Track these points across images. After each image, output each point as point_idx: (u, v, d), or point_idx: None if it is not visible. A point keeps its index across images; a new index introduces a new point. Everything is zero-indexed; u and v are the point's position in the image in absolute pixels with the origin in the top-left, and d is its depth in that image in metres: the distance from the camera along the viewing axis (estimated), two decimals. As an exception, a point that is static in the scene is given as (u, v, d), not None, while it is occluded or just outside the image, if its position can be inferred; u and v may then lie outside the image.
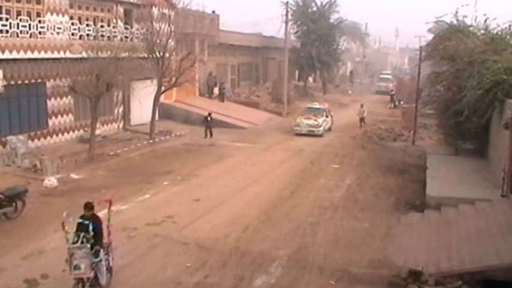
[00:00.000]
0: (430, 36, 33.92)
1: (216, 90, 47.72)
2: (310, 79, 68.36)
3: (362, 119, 43.25)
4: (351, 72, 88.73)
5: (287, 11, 49.96)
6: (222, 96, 47.49)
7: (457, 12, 29.67)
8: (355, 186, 24.44)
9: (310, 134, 37.37)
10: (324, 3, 61.06)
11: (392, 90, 62.33)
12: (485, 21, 28.51)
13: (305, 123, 37.99)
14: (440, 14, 30.85)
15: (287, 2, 50.21)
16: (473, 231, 17.08)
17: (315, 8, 60.88)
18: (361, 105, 44.34)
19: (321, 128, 37.97)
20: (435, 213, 19.59)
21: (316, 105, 41.70)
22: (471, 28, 29.17)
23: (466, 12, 29.89)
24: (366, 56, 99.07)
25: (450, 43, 27.51)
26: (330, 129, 40.27)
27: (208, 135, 35.62)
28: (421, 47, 35.01)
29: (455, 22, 29.81)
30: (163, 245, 16.85)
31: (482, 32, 28.48)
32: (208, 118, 36.01)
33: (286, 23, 49.51)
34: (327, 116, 39.79)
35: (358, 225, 19.15)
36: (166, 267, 15.40)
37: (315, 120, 38.26)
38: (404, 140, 36.44)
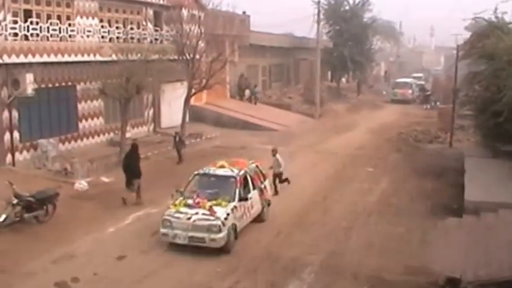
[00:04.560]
0: (468, 34, 33.10)
1: (247, 92, 47.41)
2: (343, 80, 67.71)
3: (278, 176, 23.71)
4: (386, 72, 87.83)
5: (319, 11, 49.49)
6: (254, 99, 47.17)
7: (496, 8, 28.88)
8: (390, 190, 24.02)
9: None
10: (356, 2, 60.33)
11: (428, 91, 61.34)
12: (526, 17, 27.82)
13: (181, 222, 16.87)
14: (478, 10, 30.03)
15: (319, 2, 49.75)
16: (513, 238, 16.56)
17: (347, 7, 60.21)
18: (273, 151, 24.19)
19: (221, 235, 16.47)
20: (473, 218, 19.02)
21: (221, 168, 19.06)
22: (511, 25, 28.37)
23: (506, 8, 29.13)
24: (400, 56, 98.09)
25: (489, 41, 26.76)
26: (263, 220, 19.55)
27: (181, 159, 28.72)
28: (458, 46, 34.33)
29: (494, 19, 28.95)
30: (193, 250, 16.64)
31: (523, 29, 27.73)
32: (177, 138, 29.18)
33: (318, 23, 49.01)
34: (243, 200, 17.97)
35: (393, 231, 18.86)
36: (196, 272, 15.38)
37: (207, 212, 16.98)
38: (440, 142, 35.77)
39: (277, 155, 23.89)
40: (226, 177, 18.51)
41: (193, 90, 33.61)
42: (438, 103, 52.52)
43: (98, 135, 30.94)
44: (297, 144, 34.46)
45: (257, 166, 20.49)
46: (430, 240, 17.91)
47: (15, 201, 17.94)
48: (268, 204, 20.10)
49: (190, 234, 16.52)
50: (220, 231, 16.40)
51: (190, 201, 17.37)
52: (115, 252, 16.39)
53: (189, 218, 16.71)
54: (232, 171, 18.73)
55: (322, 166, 28.67)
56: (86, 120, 30.11)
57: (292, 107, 48.32)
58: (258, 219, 19.29)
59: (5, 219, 17.63)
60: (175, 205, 17.38)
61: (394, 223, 19.53)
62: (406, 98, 60.60)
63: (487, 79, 26.89)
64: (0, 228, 17.46)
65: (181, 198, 17.70)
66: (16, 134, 25.64)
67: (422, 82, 70.43)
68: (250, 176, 19.25)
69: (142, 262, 15.89)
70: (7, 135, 25.10)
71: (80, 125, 29.70)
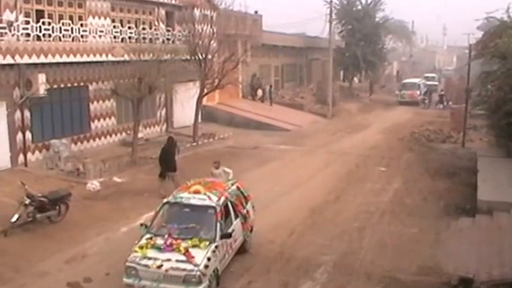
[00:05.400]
0: (480, 34, 32.92)
1: (259, 92, 47.38)
2: (356, 80, 67.51)
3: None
4: (398, 72, 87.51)
5: (331, 10, 49.46)
6: (270, 99, 47.09)
7: (508, 8, 28.73)
8: (403, 190, 23.86)
9: None
10: (369, 2, 60.12)
11: (442, 90, 60.88)
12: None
13: (150, 271, 13.43)
14: (490, 9, 29.88)
15: (331, 1, 49.75)
16: (527, 238, 16.48)
17: (359, 7, 60.03)
18: (216, 164, 20.80)
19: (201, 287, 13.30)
20: (487, 218, 18.92)
21: (196, 194, 15.40)
22: (524, 25, 28.19)
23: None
24: (413, 55, 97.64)
25: (501, 40, 26.60)
26: (246, 250, 16.52)
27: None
28: (470, 45, 34.11)
29: (506, 18, 28.81)
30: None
31: (536, 28, 27.52)
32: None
33: (330, 23, 48.96)
34: (226, 236, 14.65)
35: (406, 231, 18.72)
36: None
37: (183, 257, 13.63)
38: (453, 142, 35.52)
39: (222, 168, 20.36)
40: (203, 208, 14.85)
41: (205, 90, 33.68)
42: (451, 103, 52.26)
43: (110, 136, 31.02)
44: (309, 144, 34.40)
45: (238, 188, 16.98)
46: (443, 240, 17.80)
47: (27, 201, 17.96)
48: (251, 230, 16.81)
49: (163, 286, 13.16)
50: (200, 282, 13.14)
51: (160, 242, 13.85)
52: (128, 252, 16.29)
53: (159, 266, 13.26)
54: (211, 198, 15.05)
55: (334, 166, 28.55)
56: (98, 120, 30.20)
57: (304, 107, 48.25)
58: (240, 249, 16.06)
59: (18, 219, 17.66)
60: (140, 247, 13.83)
61: (407, 223, 19.40)
62: (415, 100, 57.69)
63: (500, 79, 26.75)
64: (13, 228, 17.50)
65: (147, 236, 14.24)
66: (28, 135, 25.74)
67: (436, 83, 69.89)
68: (232, 202, 15.81)
69: (154, 262, 15.84)
70: (19, 136, 25.20)
71: (92, 125, 29.80)
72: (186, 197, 15.25)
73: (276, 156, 30.57)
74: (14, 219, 17.55)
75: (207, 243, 13.84)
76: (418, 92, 58.86)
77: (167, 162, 22.59)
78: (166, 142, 23.58)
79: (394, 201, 22.15)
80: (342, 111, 49.42)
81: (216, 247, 13.95)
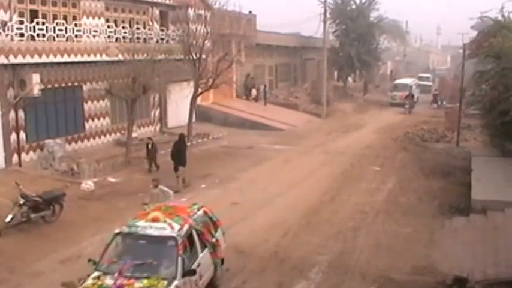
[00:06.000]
0: (474, 33, 32.99)
1: (253, 92, 47.38)
2: (350, 79, 67.53)
3: None
4: (392, 71, 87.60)
5: (325, 10, 49.43)
6: (264, 99, 47.07)
7: (502, 7, 28.80)
8: (397, 190, 23.91)
9: None
10: (363, 1, 60.15)
11: (436, 89, 60.75)
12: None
13: None
14: (484, 9, 29.95)
15: (325, 1, 49.70)
16: (521, 237, 16.52)
17: (353, 6, 60.03)
18: (155, 183, 17.96)
19: None
20: (481, 217, 19.00)
21: (154, 223, 13.08)
22: (517, 24, 28.25)
23: (513, 7, 29.07)
24: (407, 55, 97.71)
25: (495, 40, 26.67)
26: (216, 286, 14.47)
27: (154, 167, 26.45)
28: (464, 45, 34.16)
29: (500, 18, 28.86)
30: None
31: (530, 28, 27.59)
32: (149, 145, 26.70)
33: (325, 22, 48.96)
34: (189, 274, 12.35)
35: (400, 230, 18.78)
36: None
37: None
38: (447, 141, 35.57)
39: (161, 186, 17.78)
40: (162, 240, 12.58)
41: (199, 90, 33.63)
42: (445, 102, 52.31)
43: (105, 136, 30.94)
44: (304, 144, 34.41)
45: (205, 213, 14.66)
46: (437, 239, 17.86)
47: (22, 201, 17.96)
48: (222, 262, 14.59)
49: None
50: None
51: (109, 282, 11.59)
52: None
53: None
54: (172, 226, 12.81)
55: (329, 166, 28.58)
56: (93, 120, 30.13)
57: (299, 107, 48.24)
58: (209, 285, 13.82)
59: (12, 219, 17.66)
60: None
61: (401, 223, 19.44)
62: (405, 101, 54.15)
63: (494, 78, 26.80)
64: (7, 228, 17.49)
65: (95, 274, 12.00)
66: (22, 135, 25.65)
67: (430, 83, 69.49)
68: (198, 231, 13.44)
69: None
70: (13, 136, 25.09)
71: (87, 125, 29.71)
72: (142, 226, 12.86)
73: (270, 156, 30.58)
74: (8, 219, 17.55)
75: (166, 283, 11.60)
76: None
77: (179, 157, 24.06)
78: (178, 138, 24.89)
79: (388, 201, 22.20)
80: (336, 111, 49.46)
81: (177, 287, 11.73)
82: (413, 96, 54.42)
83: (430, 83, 69.98)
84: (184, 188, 23.35)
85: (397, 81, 63.39)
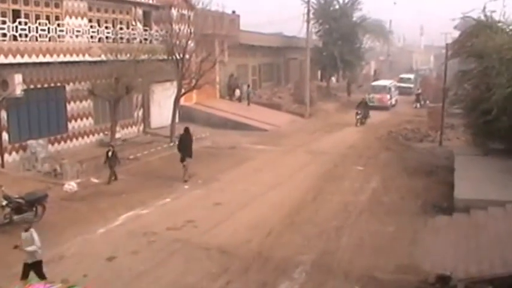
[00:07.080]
0: (457, 33, 33.19)
1: (237, 92, 47.35)
2: (333, 79, 67.61)
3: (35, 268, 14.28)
4: (375, 71, 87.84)
5: (308, 10, 49.35)
6: (247, 99, 46.97)
7: (484, 7, 28.98)
8: (381, 189, 23.95)
9: None
10: (346, 1, 60.20)
11: (419, 89, 60.63)
12: (514, 16, 27.88)
13: None
14: (467, 9, 30.16)
15: (308, 1, 49.67)
16: (503, 235, 16.66)
17: (337, 6, 59.98)
18: (26, 226, 14.57)
19: None
20: (464, 216, 19.08)
21: None
22: (500, 24, 28.38)
23: (495, 7, 29.24)
24: (390, 55, 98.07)
25: (478, 40, 26.84)
26: None
27: (112, 177, 24.51)
28: (447, 45, 34.30)
29: (483, 18, 29.01)
30: (184, 250, 16.69)
31: (512, 27, 27.81)
32: (109, 153, 24.78)
33: (308, 22, 48.96)
34: None
35: (383, 229, 18.78)
36: (188, 273, 15.25)
37: None
38: (431, 140, 35.68)
39: (32, 231, 14.19)
40: None
41: (183, 90, 33.53)
42: (428, 102, 52.51)
43: (88, 136, 30.78)
44: (287, 144, 34.42)
45: None
46: (420, 238, 17.90)
47: (4, 203, 17.85)
48: None
49: None
50: None
51: None
52: (105, 253, 16.27)
53: None
54: None
55: (312, 165, 28.58)
56: (76, 121, 29.97)
57: (282, 107, 48.22)
58: None
59: (-6, 221, 17.53)
60: None
61: (384, 222, 19.46)
62: (383, 105, 52.94)
63: (477, 77, 27.02)
64: (-11, 230, 17.36)
65: None
66: (5, 135, 25.52)
67: (411, 85, 67.73)
68: None
69: (133, 263, 15.75)
70: (-4, 136, 24.94)
71: (70, 126, 29.56)
72: None
73: (253, 156, 30.56)
74: (-10, 221, 17.42)
75: None
76: (388, 96, 54.36)
77: (185, 148, 25.10)
78: (183, 132, 25.98)
79: (371, 200, 22.24)
80: (319, 111, 49.51)
81: None
82: (366, 104, 46.63)
83: (411, 85, 67.57)
84: (186, 181, 24.50)
85: (375, 83, 59.91)
